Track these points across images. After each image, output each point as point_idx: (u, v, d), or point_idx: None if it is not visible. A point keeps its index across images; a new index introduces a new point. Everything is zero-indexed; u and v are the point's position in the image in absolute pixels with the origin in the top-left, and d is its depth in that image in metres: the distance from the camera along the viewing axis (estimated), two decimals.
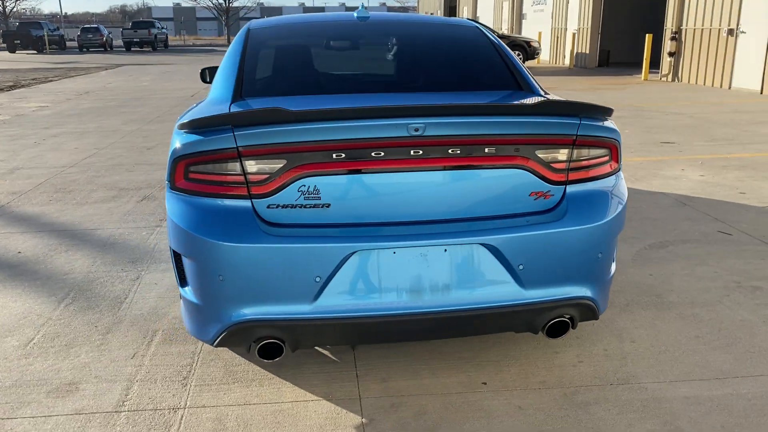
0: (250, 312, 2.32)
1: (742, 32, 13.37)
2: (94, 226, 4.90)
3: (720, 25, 14.01)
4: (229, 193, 2.32)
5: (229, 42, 54.07)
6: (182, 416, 2.50)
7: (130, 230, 4.77)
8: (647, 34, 16.16)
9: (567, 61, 22.12)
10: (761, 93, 12.75)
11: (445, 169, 2.33)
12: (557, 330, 2.52)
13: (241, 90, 2.89)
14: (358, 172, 2.29)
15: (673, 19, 15.68)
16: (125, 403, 2.59)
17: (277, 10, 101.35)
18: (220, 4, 57.73)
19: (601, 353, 2.93)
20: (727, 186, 5.79)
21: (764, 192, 5.57)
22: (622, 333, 3.11)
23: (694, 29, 14.96)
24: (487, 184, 2.37)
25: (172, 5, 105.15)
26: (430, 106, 2.26)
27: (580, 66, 20.91)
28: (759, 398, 2.56)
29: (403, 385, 2.69)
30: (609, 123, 2.51)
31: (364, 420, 2.46)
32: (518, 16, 27.11)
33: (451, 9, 41.45)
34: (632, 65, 20.41)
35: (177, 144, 2.38)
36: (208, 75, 4.92)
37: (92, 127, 9.90)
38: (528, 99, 2.79)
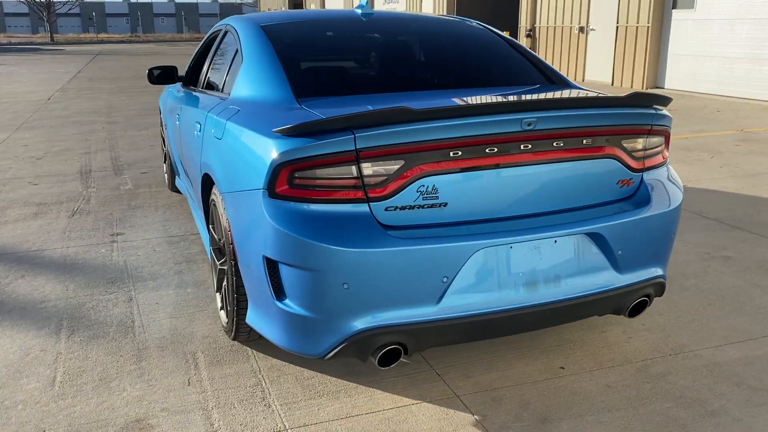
0: (374, 319, 2.23)
1: (592, 29, 14.67)
2: (35, 247, 4.36)
3: (571, 23, 15.26)
4: (344, 198, 2.21)
5: (53, 41, 49.60)
6: None
7: (83, 248, 4.31)
8: (505, 32, 17.19)
9: None
10: (612, 84, 14.09)
11: (549, 162, 2.38)
12: (636, 310, 2.67)
13: (296, 91, 2.73)
14: (474, 168, 2.28)
15: (527, 17, 16.82)
16: None
17: (100, 6, 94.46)
18: None
19: (642, 328, 3.14)
20: None
21: (679, 173, 6.21)
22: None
23: (548, 27, 16.15)
24: (584, 175, 2.46)
25: None
26: (542, 99, 2.31)
27: None
28: None
29: (488, 378, 2.71)
30: (665, 112, 2.70)
31: (476, 417, 2.45)
32: None
33: (296, 5, 41.19)
34: None
35: (275, 150, 2.22)
36: (154, 75, 4.59)
37: None
38: (584, 91, 2.92)
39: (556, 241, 2.37)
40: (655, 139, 2.67)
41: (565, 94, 2.87)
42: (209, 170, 2.91)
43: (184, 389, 2.65)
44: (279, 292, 2.35)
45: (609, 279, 2.48)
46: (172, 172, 5.39)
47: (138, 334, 3.12)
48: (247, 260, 2.49)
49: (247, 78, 2.95)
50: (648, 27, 12.99)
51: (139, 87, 15.19)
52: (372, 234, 2.18)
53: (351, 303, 2.20)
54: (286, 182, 2.23)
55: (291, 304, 2.31)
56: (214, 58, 3.83)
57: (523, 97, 2.45)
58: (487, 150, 2.27)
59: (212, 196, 2.95)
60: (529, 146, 2.32)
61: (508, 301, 2.33)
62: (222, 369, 2.80)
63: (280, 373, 2.76)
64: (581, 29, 14.92)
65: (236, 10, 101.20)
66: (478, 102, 2.25)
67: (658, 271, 2.65)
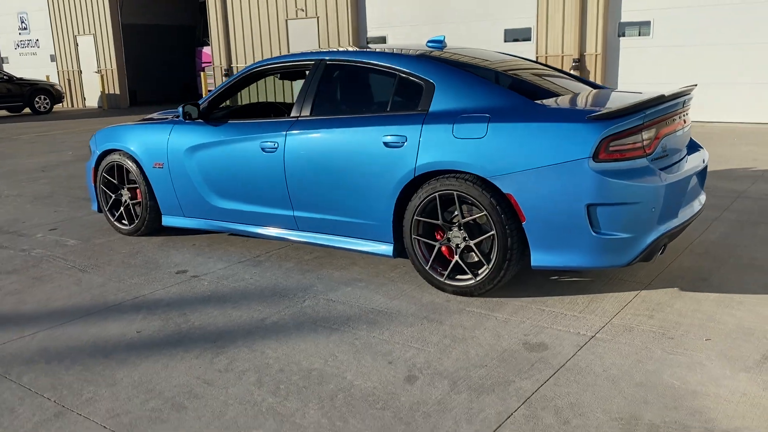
0: (662, 229, 3.55)
1: None
2: (129, 296, 4.15)
3: None
4: (635, 156, 3.48)
5: None
6: None
7: (183, 287, 4.28)
8: (202, 73, 17.84)
9: (90, 103, 21.77)
10: None
11: (682, 128, 4.01)
12: None
13: (527, 96, 3.79)
14: (669, 133, 3.78)
15: (221, 59, 17.79)
16: None
17: None
18: None
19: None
20: None
21: None
22: None
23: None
24: (687, 133, 4.16)
25: None
26: (688, 88, 3.92)
27: (112, 107, 20.95)
28: None
29: (641, 274, 4.17)
30: None
31: (677, 288, 3.91)
32: None
33: None
34: (161, 102, 21.67)
35: (601, 129, 3.36)
36: (195, 112, 4.80)
37: None
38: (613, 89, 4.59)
39: (695, 174, 4.00)
40: None
41: (629, 90, 4.51)
42: (451, 166, 3.70)
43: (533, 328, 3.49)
44: (595, 227, 3.46)
45: (703, 197, 4.23)
46: (155, 213, 5.28)
47: (441, 323, 3.70)
48: (546, 216, 3.49)
49: (460, 93, 3.80)
50: None
51: None
52: (658, 176, 3.51)
53: (653, 221, 3.49)
54: (603, 150, 3.39)
55: (609, 232, 3.45)
56: (320, 90, 4.39)
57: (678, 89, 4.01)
58: (674, 119, 3.80)
59: (448, 188, 3.72)
60: (678, 118, 3.92)
61: (689, 214, 3.88)
62: (502, 314, 3.67)
63: (524, 305, 3.77)
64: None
65: None
66: (676, 90, 3.77)
67: None
